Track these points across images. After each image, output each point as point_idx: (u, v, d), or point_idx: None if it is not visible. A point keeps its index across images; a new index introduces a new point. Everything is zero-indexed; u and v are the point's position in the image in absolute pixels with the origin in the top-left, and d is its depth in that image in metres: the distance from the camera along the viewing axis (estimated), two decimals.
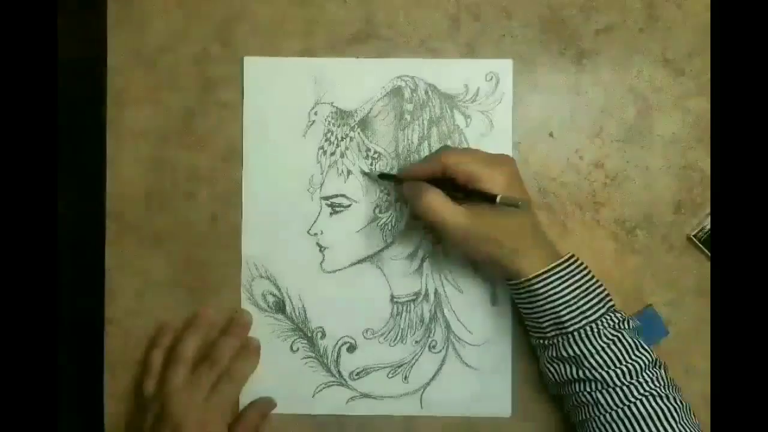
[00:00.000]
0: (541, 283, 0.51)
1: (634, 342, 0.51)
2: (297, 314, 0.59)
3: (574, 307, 0.51)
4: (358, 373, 0.59)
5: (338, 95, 0.59)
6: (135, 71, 0.59)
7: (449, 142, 0.58)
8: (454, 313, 0.58)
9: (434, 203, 0.51)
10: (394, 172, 0.58)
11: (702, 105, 0.59)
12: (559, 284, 0.51)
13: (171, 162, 0.59)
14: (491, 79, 0.59)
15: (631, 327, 0.52)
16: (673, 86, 0.59)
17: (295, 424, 0.59)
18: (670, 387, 0.51)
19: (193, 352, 0.57)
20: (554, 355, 0.53)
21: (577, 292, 0.51)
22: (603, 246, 0.59)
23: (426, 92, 0.58)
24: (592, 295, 0.51)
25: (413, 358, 0.59)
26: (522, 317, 0.55)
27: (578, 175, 0.59)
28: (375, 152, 0.59)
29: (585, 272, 0.52)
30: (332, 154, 0.59)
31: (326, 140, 0.59)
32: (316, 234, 0.59)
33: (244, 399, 0.59)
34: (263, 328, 0.59)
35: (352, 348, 0.59)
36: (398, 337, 0.59)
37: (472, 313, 0.59)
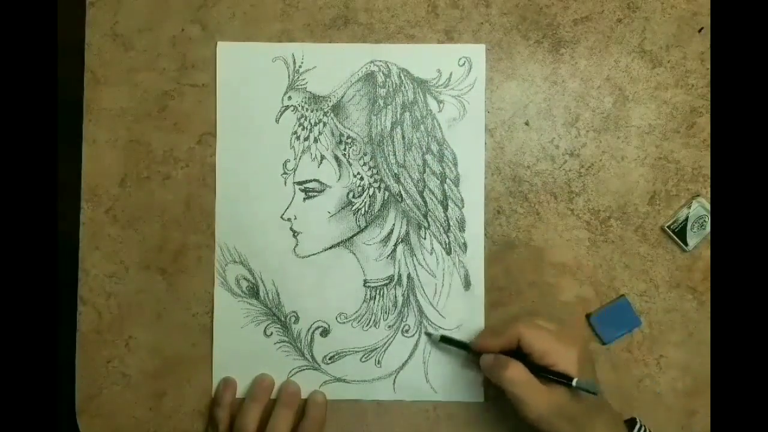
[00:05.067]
0: None
1: None
2: (270, 299, 0.59)
3: None
4: (331, 357, 0.59)
5: (311, 80, 0.59)
6: (112, 52, 0.59)
7: (422, 127, 0.58)
8: (427, 297, 0.59)
9: (518, 378, 0.52)
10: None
11: (679, 96, 0.59)
12: None
13: (146, 143, 0.59)
14: (464, 64, 0.58)
15: None
16: (650, 77, 0.59)
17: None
18: None
19: (254, 423, 0.57)
20: None
21: None
22: (577, 236, 0.59)
23: (399, 77, 0.58)
24: None
25: (386, 343, 0.59)
26: None
27: (553, 164, 0.59)
28: (348, 137, 0.59)
29: None
30: (305, 139, 0.59)
31: (300, 125, 0.59)
32: (289, 219, 0.59)
33: (217, 381, 0.59)
34: (237, 312, 0.59)
35: (325, 332, 0.59)
36: (371, 322, 0.59)
37: (444, 297, 0.59)
